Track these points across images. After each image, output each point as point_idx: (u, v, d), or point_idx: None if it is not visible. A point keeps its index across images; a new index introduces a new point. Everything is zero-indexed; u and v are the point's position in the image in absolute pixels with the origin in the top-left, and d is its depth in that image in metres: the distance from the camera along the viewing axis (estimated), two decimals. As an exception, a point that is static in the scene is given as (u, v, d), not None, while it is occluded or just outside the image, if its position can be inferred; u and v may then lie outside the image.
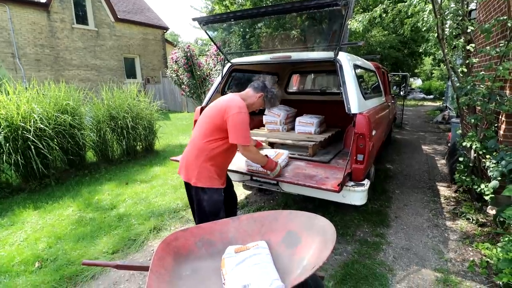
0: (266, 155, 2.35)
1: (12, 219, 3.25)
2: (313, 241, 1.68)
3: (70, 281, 2.27)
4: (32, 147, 3.84)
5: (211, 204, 2.05)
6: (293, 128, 3.79)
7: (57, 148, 4.23)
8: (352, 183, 2.34)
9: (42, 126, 3.95)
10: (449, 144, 5.53)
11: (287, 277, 1.62)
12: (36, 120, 3.93)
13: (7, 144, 3.73)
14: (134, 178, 4.49)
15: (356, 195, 2.29)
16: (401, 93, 7.92)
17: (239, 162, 2.65)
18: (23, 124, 3.84)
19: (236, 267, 1.59)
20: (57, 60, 11.84)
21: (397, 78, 9.59)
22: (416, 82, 28.86)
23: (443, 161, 5.29)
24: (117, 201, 3.67)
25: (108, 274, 2.37)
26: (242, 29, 11.80)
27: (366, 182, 2.37)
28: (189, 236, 1.82)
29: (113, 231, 2.97)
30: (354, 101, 2.43)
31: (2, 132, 3.72)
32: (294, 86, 5.37)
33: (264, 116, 3.89)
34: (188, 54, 11.04)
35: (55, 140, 4.22)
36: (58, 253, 2.59)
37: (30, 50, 11.02)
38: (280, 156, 2.65)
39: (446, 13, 3.10)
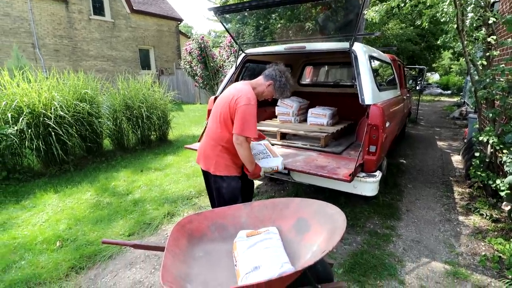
0: (256, 163, 2.17)
1: (34, 201, 3.42)
2: (323, 228, 1.71)
3: (89, 260, 2.40)
4: (53, 133, 4.00)
5: (229, 191, 2.11)
6: (305, 120, 3.80)
7: (76, 135, 4.39)
8: (363, 174, 2.35)
9: (62, 113, 4.10)
10: (465, 140, 5.40)
11: (296, 261, 1.66)
12: (56, 107, 4.07)
13: (29, 130, 3.90)
14: (148, 166, 4.62)
15: (368, 186, 2.30)
16: (417, 87, 7.73)
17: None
18: (44, 111, 4.00)
19: (247, 250, 1.65)
20: (75, 51, 12.12)
21: (413, 72, 9.36)
22: (434, 77, 28.02)
23: (458, 157, 5.18)
24: (133, 187, 3.79)
25: (125, 254, 2.48)
26: (256, 20, 11.72)
27: (378, 174, 2.37)
28: (203, 219, 1.89)
29: (129, 215, 3.09)
30: (368, 92, 2.42)
31: (25, 119, 3.89)
32: (307, 78, 5.34)
33: (276, 107, 3.91)
34: (202, 45, 11.09)
35: (74, 127, 4.38)
36: (78, 234, 2.73)
37: (49, 41, 11.32)
38: (273, 156, 2.39)
39: (467, 4, 3.01)
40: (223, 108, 2.07)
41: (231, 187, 2.12)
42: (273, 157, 2.36)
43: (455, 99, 15.54)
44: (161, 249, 1.77)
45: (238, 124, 1.97)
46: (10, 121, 3.83)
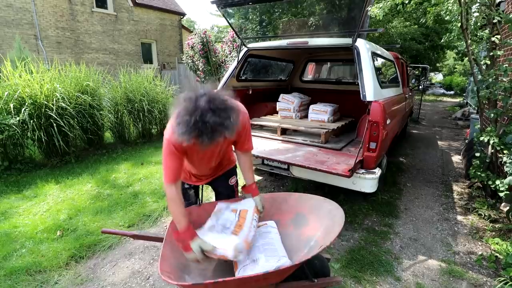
0: (186, 220, 1.46)
1: (35, 191, 3.45)
2: (321, 224, 1.73)
3: (89, 249, 2.42)
4: (54, 125, 4.01)
5: None
6: (306, 116, 3.80)
7: (77, 127, 4.40)
8: (363, 170, 2.36)
9: (63, 105, 4.11)
10: (466, 141, 5.39)
11: (294, 255, 1.68)
12: (58, 98, 4.08)
13: (31, 121, 3.92)
14: (149, 159, 4.64)
15: (367, 183, 2.31)
16: (420, 86, 7.70)
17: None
18: (46, 102, 4.01)
19: (245, 243, 1.64)
20: (77, 43, 12.09)
21: (416, 72, 9.32)
22: (437, 77, 27.88)
23: (459, 157, 5.17)
24: (133, 180, 3.81)
25: (124, 245, 2.50)
26: (259, 15, 11.67)
27: (377, 171, 2.38)
28: (202, 212, 1.90)
29: (129, 207, 3.11)
30: (370, 89, 2.42)
31: (27, 109, 3.90)
32: (309, 75, 5.33)
33: (277, 102, 3.91)
34: (205, 39, 11.05)
35: (76, 119, 4.39)
36: (78, 224, 2.75)
37: (51, 33, 11.29)
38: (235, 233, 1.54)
39: (472, 2, 2.98)
40: None
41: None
42: (231, 235, 1.54)
43: (458, 100, 15.48)
44: (160, 240, 1.78)
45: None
46: (13, 112, 3.85)
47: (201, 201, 1.99)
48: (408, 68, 5.79)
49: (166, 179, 1.45)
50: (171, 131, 1.37)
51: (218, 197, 2.06)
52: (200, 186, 1.97)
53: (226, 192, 1.92)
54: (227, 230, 1.57)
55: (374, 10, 4.81)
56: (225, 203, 1.77)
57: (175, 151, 1.41)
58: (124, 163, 4.45)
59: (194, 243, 1.39)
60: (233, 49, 10.52)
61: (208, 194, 3.25)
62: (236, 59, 3.40)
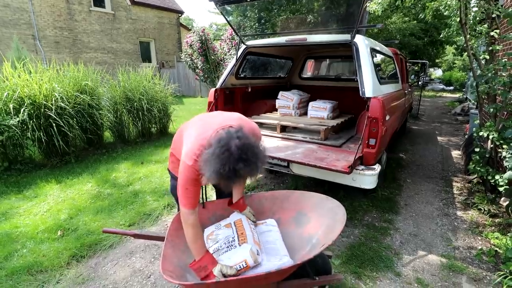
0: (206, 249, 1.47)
1: (35, 191, 3.45)
2: (323, 222, 1.73)
3: (90, 249, 2.43)
4: (54, 125, 4.00)
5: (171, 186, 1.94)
6: (305, 113, 3.80)
7: (77, 126, 4.40)
8: (362, 166, 2.36)
9: (62, 105, 4.10)
10: (466, 136, 5.40)
11: (296, 254, 1.68)
12: (57, 98, 4.08)
13: (31, 121, 3.91)
14: (149, 158, 4.64)
15: (366, 179, 2.31)
16: (419, 82, 7.68)
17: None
18: (45, 102, 4.00)
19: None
20: (75, 43, 12.06)
21: (416, 68, 9.29)
22: (436, 73, 27.83)
23: (459, 153, 5.18)
24: (133, 179, 3.82)
25: (125, 244, 2.51)
26: (257, 12, 11.62)
27: (377, 167, 2.38)
28: (203, 210, 1.91)
29: (129, 206, 3.11)
30: (369, 85, 2.42)
31: (26, 110, 3.89)
32: (308, 72, 5.32)
33: (277, 100, 3.91)
34: (203, 37, 11.02)
35: (75, 119, 4.38)
36: (79, 224, 2.76)
37: (49, 32, 11.25)
38: (240, 243, 1.54)
39: (470, -3, 2.97)
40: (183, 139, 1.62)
41: (172, 184, 1.93)
42: (240, 245, 1.54)
43: (458, 95, 15.47)
44: (161, 239, 1.79)
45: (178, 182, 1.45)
46: (12, 112, 3.84)
47: (206, 200, 1.99)
48: (407, 64, 5.77)
49: (187, 206, 1.42)
50: (194, 158, 1.35)
51: (220, 196, 2.06)
52: (204, 187, 1.97)
53: (227, 189, 1.91)
54: (234, 243, 1.56)
55: (373, 6, 4.80)
56: (212, 225, 1.79)
57: (198, 178, 1.38)
58: (124, 162, 4.45)
59: (216, 270, 1.38)
60: (232, 46, 10.50)
61: (208, 192, 3.25)
62: (235, 56, 3.39)
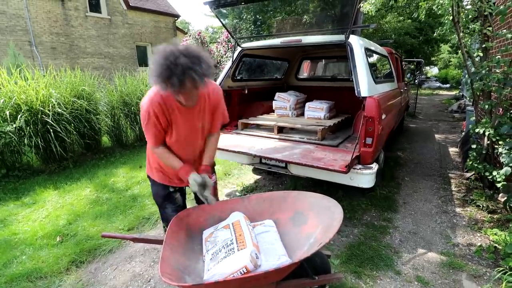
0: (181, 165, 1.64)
1: (34, 198, 3.44)
2: (320, 221, 1.73)
3: (89, 254, 2.42)
4: (51, 130, 4.00)
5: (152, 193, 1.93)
6: (302, 114, 3.81)
7: (74, 132, 4.39)
8: (360, 166, 2.37)
9: (59, 110, 4.10)
10: (463, 133, 5.42)
11: (294, 253, 1.69)
12: (54, 104, 4.08)
13: (28, 128, 3.91)
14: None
15: (364, 178, 2.32)
16: (415, 81, 7.73)
17: (248, 144, 2.70)
18: (42, 109, 4.00)
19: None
20: (72, 48, 12.06)
21: (412, 66, 9.35)
22: (432, 71, 27.99)
23: (456, 150, 5.20)
24: (131, 183, 3.81)
25: (125, 248, 2.51)
26: (253, 15, 11.67)
27: (374, 166, 2.39)
28: (201, 213, 1.91)
29: (128, 210, 3.11)
30: (364, 85, 2.43)
31: (23, 116, 3.89)
32: (304, 73, 5.34)
33: (273, 101, 3.92)
34: (199, 40, 11.05)
35: (72, 124, 4.38)
36: (78, 229, 2.75)
37: (46, 38, 11.25)
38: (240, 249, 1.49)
39: (463, -5, 3.00)
40: None
41: (153, 190, 1.91)
42: (239, 249, 1.49)
43: (454, 93, 15.55)
44: (160, 242, 1.79)
45: None
46: (9, 119, 3.83)
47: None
48: (402, 62, 5.81)
49: (151, 144, 1.61)
50: (146, 98, 1.50)
51: (199, 199, 1.97)
52: (185, 188, 1.96)
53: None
54: (233, 246, 1.54)
55: (367, 6, 4.83)
56: (210, 228, 1.79)
57: (152, 117, 1.50)
58: (122, 166, 4.44)
59: (190, 179, 1.60)
60: (228, 49, 10.53)
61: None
62: (231, 59, 3.41)
